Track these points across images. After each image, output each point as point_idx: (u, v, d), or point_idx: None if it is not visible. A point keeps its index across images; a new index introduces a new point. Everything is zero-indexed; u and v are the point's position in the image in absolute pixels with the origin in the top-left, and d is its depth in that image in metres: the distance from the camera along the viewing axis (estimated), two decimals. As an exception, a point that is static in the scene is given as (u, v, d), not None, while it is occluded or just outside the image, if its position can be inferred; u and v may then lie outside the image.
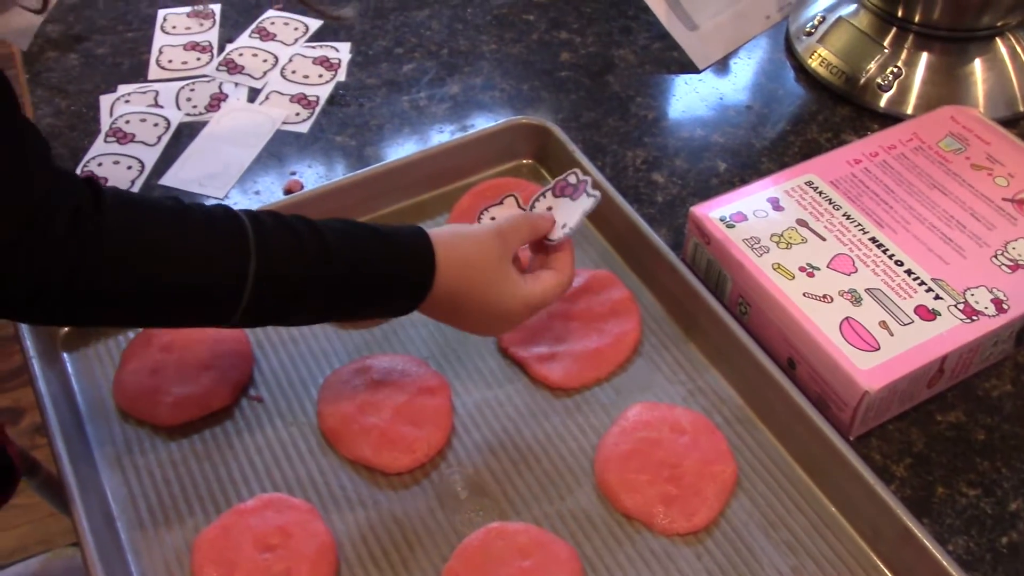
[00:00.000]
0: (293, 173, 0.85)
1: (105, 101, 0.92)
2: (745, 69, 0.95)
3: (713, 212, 0.73)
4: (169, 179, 0.85)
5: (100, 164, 0.86)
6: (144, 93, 0.93)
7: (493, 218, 0.78)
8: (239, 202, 0.82)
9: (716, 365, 0.70)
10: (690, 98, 0.92)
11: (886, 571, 0.60)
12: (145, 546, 0.62)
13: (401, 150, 0.87)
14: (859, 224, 0.72)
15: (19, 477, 0.84)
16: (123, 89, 0.93)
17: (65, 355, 0.72)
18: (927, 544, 0.57)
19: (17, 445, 0.85)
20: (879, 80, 0.89)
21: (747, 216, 0.73)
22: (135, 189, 0.83)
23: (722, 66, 0.95)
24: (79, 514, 0.60)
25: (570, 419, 0.68)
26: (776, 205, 0.74)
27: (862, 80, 0.90)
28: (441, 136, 0.88)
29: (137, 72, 0.95)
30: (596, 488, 0.65)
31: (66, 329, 0.73)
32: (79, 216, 0.51)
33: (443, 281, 0.61)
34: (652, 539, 0.62)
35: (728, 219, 0.73)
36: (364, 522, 0.63)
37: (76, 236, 0.51)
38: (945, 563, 0.56)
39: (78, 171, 0.84)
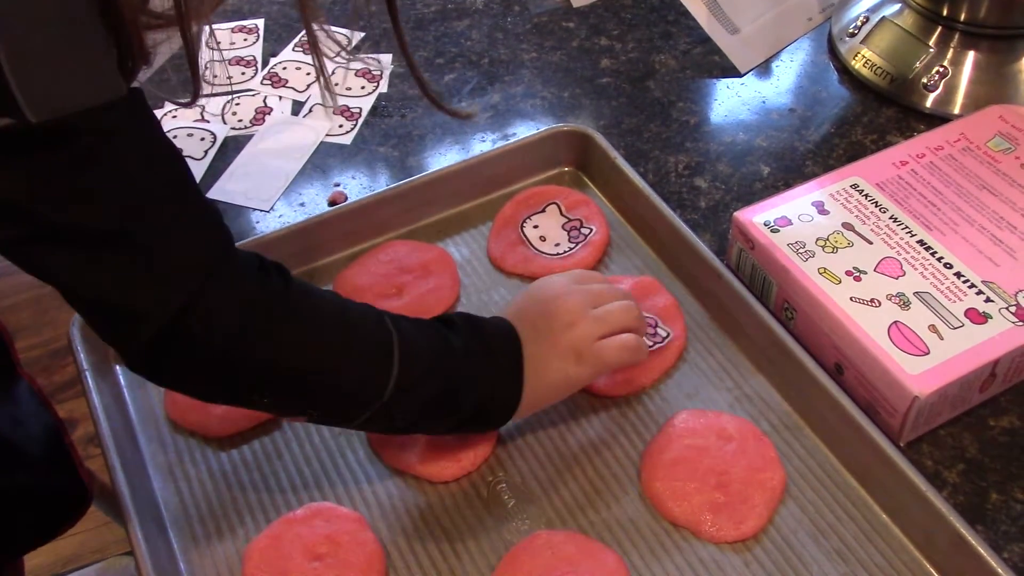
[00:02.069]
0: (337, 184, 0.86)
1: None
2: (787, 72, 0.94)
3: (757, 217, 0.73)
4: (215, 193, 0.86)
5: (149, 179, 0.87)
6: (191, 108, 0.94)
7: (536, 226, 0.79)
8: (284, 214, 0.83)
9: (762, 371, 0.70)
10: (732, 102, 0.91)
11: (939, 579, 0.59)
12: (197, 555, 0.63)
13: (443, 160, 0.87)
14: (906, 227, 0.71)
15: (91, 499, 0.85)
16: (171, 104, 0.95)
17: (118, 368, 0.73)
18: (981, 551, 0.56)
19: (88, 468, 0.85)
20: (925, 80, 0.88)
21: (792, 220, 0.72)
22: (183, 203, 0.84)
23: (764, 69, 0.95)
24: (133, 523, 0.61)
25: (615, 426, 0.68)
26: (821, 209, 0.73)
27: (907, 80, 0.89)
28: (483, 145, 0.88)
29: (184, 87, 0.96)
30: (642, 496, 0.64)
31: (118, 342, 0.74)
32: (268, 279, 0.53)
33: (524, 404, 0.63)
34: (700, 547, 0.62)
35: (772, 224, 0.72)
36: (412, 531, 0.64)
37: (264, 296, 0.53)
38: (1000, 570, 0.55)
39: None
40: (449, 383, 0.60)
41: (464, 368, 0.60)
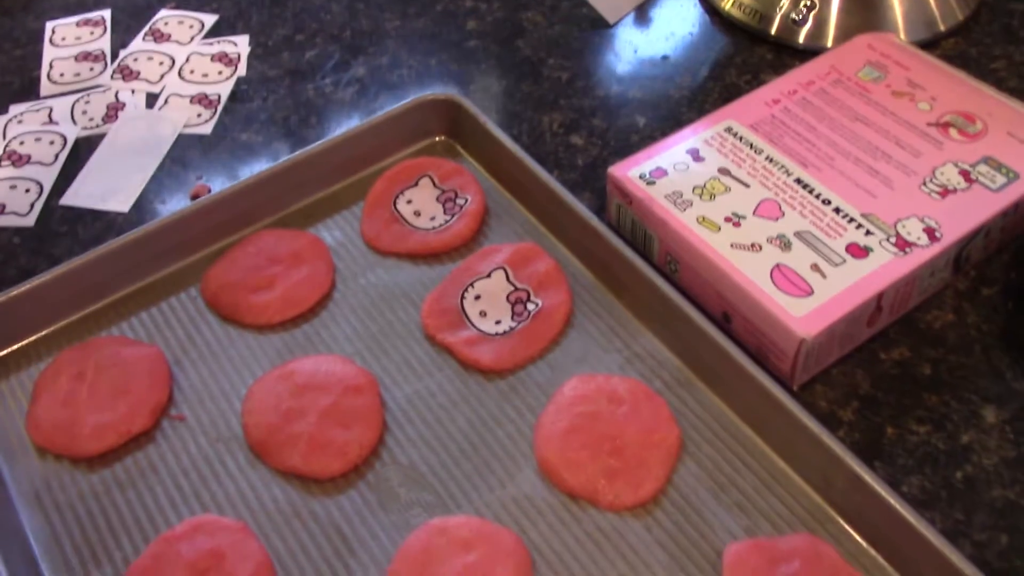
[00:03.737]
0: (200, 177, 0.81)
1: (-3, 123, 0.88)
2: (658, 20, 0.92)
3: (632, 171, 0.71)
4: (70, 198, 0.81)
5: (-2, 190, 0.82)
6: (37, 111, 0.88)
7: (409, 201, 0.76)
8: (145, 214, 0.79)
9: (651, 329, 0.68)
10: (604, 55, 0.89)
11: (841, 521, 0.58)
12: (72, 587, 0.59)
13: (310, 141, 0.83)
14: (782, 166, 0.70)
15: None
16: (15, 109, 0.89)
17: (-27, 395, 0.68)
18: (878, 488, 0.55)
19: None
20: (793, 15, 0.86)
21: (667, 171, 0.70)
22: (34, 212, 0.79)
23: (634, 18, 0.92)
24: (-4, 563, 0.57)
25: (505, 402, 0.66)
26: (696, 156, 0.71)
27: (777, 17, 0.87)
28: (351, 122, 0.85)
29: (28, 90, 0.91)
30: (537, 470, 0.62)
31: (-29, 368, 0.69)
32: None
33: None
34: (599, 516, 0.60)
35: (648, 176, 0.70)
36: (301, 534, 0.61)
37: None
38: (898, 506, 0.54)
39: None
40: None
41: None
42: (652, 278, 0.66)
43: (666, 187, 0.69)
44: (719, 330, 0.63)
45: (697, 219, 0.67)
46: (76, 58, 0.93)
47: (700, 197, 0.68)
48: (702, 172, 0.70)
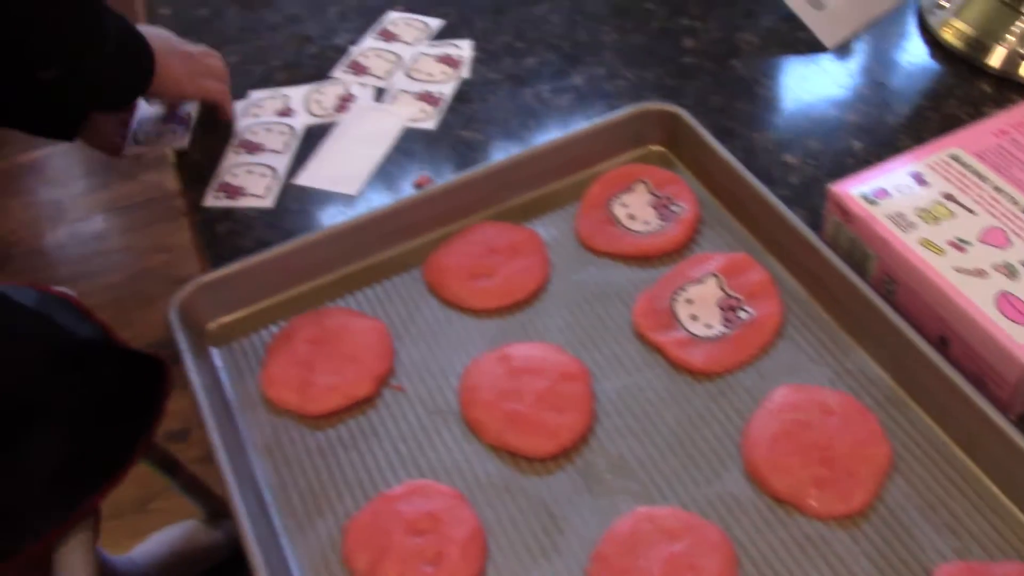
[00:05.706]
0: (423, 169, 0.86)
1: (238, 108, 0.95)
2: (876, 46, 0.92)
3: (854, 189, 0.71)
4: (303, 179, 0.87)
5: (235, 175, 0.88)
6: (275, 98, 0.95)
7: (624, 205, 0.78)
8: (372, 198, 0.84)
9: (863, 346, 0.68)
10: (820, 78, 0.90)
11: (1058, 553, 0.57)
12: (298, 531, 0.64)
13: (528, 142, 0.87)
14: (1010, 196, 0.69)
15: (168, 373, 0.92)
16: (255, 95, 0.96)
17: (213, 350, 0.74)
18: (1104, 524, 0.54)
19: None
20: (1020, 49, 0.85)
21: (889, 192, 0.71)
22: (272, 195, 0.85)
23: (851, 45, 0.93)
24: (236, 499, 0.61)
25: (713, 403, 0.67)
26: (920, 180, 0.71)
27: (1001, 51, 0.86)
28: (567, 127, 0.88)
29: (267, 78, 0.98)
30: (744, 471, 0.63)
31: (213, 325, 0.75)
32: None
33: None
34: (805, 523, 0.61)
35: (870, 196, 0.71)
36: (511, 507, 0.63)
37: None
38: (1125, 544, 0.53)
39: (215, 182, 0.87)
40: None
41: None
42: (870, 296, 0.66)
43: (888, 208, 0.70)
44: (937, 352, 0.63)
45: (920, 241, 0.67)
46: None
47: (924, 220, 0.69)
48: (926, 196, 0.70)
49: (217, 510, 1.35)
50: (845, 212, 0.71)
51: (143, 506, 1.63)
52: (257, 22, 1.04)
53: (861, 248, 0.71)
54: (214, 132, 0.91)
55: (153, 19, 1.05)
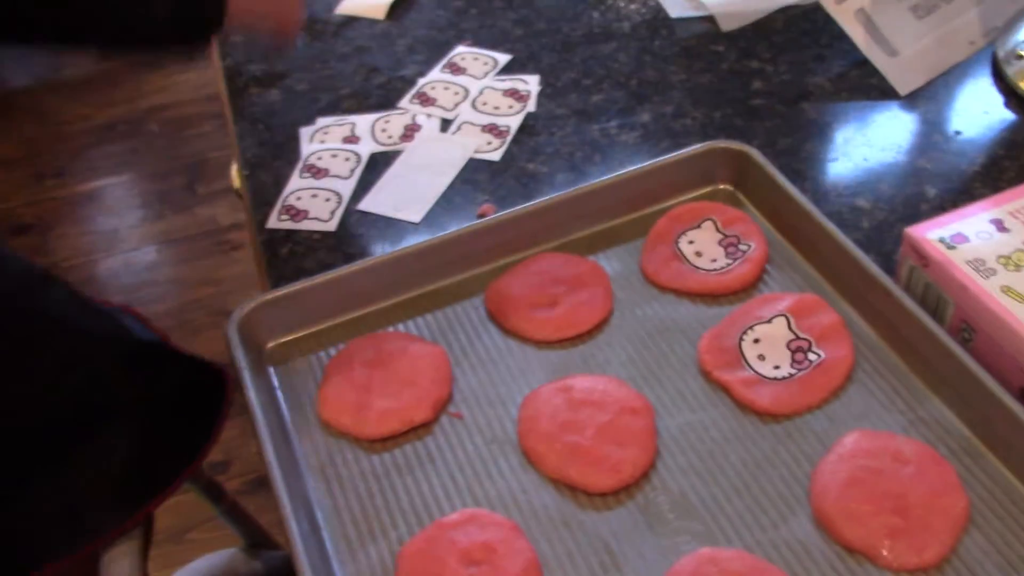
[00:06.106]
0: (487, 199, 0.86)
1: (305, 133, 0.95)
2: (950, 94, 0.91)
3: (931, 233, 0.69)
4: (366, 204, 0.86)
5: (299, 198, 0.88)
6: (341, 125, 0.95)
7: (691, 242, 0.77)
8: (435, 226, 0.83)
9: (939, 394, 0.66)
10: (892, 124, 0.88)
11: None
12: (350, 556, 0.62)
13: (592, 177, 0.86)
14: (1096, 247, 0.67)
15: (229, 382, 0.89)
16: (322, 121, 0.96)
17: (271, 369, 0.73)
18: None
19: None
20: (1103, 103, 0.84)
21: (969, 238, 0.69)
22: (335, 219, 0.85)
23: (925, 92, 0.91)
24: (289, 519, 0.60)
25: (780, 445, 0.65)
26: (1000, 227, 0.69)
27: (1083, 103, 0.84)
28: (633, 163, 0.87)
29: (334, 106, 0.98)
30: (812, 517, 0.61)
31: (272, 344, 0.75)
32: None
33: None
34: (876, 574, 0.58)
35: (948, 240, 0.69)
36: (569, 541, 0.62)
37: None
38: None
39: (279, 204, 0.87)
40: None
41: None
42: (947, 343, 0.64)
43: (967, 253, 0.68)
44: (1018, 404, 0.61)
45: (1001, 288, 0.65)
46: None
47: (1005, 267, 0.66)
48: (1008, 242, 0.68)
49: (257, 540, 1.33)
50: (922, 256, 0.69)
51: (180, 536, 1.63)
52: (327, 51, 1.05)
53: (937, 294, 0.69)
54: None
55: (225, 46, 1.07)
